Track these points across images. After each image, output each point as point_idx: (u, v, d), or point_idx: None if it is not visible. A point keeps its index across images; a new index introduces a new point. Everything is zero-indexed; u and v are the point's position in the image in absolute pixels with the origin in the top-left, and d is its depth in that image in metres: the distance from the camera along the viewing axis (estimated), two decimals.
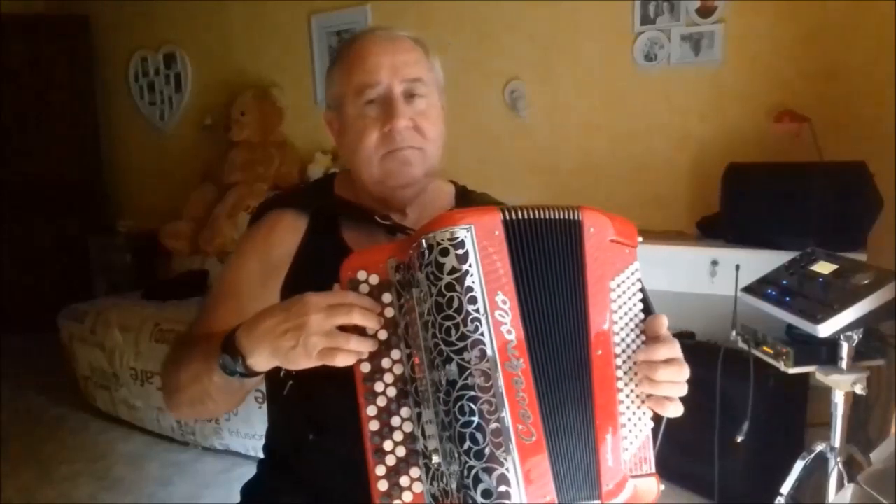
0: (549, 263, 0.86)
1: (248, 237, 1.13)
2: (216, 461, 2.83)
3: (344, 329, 0.83)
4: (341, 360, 0.83)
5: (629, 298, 0.91)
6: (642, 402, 0.90)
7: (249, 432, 2.70)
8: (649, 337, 0.91)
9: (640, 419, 0.90)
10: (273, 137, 3.75)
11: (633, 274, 0.93)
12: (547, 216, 0.87)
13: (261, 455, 1.20)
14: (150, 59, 4.28)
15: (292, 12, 3.65)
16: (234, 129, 3.71)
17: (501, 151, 3.20)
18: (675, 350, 0.89)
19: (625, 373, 0.89)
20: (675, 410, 0.91)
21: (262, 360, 0.87)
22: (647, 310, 0.93)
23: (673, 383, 0.89)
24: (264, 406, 1.14)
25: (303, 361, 0.83)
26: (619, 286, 0.91)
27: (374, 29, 1.11)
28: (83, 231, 4.27)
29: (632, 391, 0.89)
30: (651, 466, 0.91)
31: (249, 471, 1.19)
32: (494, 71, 3.15)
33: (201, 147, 4.11)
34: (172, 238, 3.75)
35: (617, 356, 0.89)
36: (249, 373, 0.89)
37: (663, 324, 0.90)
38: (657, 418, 0.92)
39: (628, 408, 0.89)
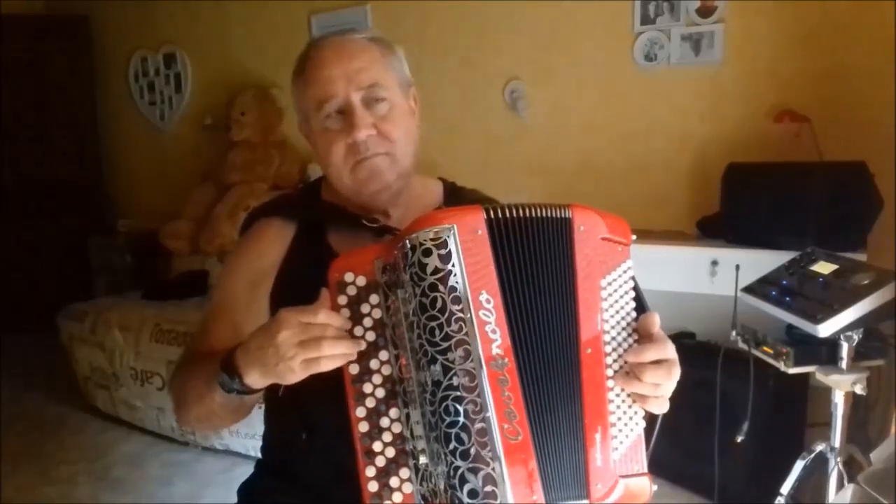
0: (536, 262, 0.86)
1: (237, 249, 1.14)
2: (216, 461, 2.83)
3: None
4: (326, 366, 0.83)
5: (621, 297, 0.91)
6: (633, 401, 0.90)
7: (249, 432, 2.70)
8: (641, 336, 0.90)
9: (630, 419, 0.90)
10: (273, 137, 3.75)
11: (625, 272, 0.92)
12: (534, 214, 0.87)
13: (260, 455, 1.20)
14: (150, 59, 4.28)
15: (292, 12, 3.65)
16: (234, 129, 3.70)
17: (501, 151, 3.19)
18: (664, 351, 0.88)
19: (615, 372, 0.89)
20: (660, 407, 0.90)
21: (256, 378, 0.88)
22: (641, 308, 0.92)
23: (659, 384, 0.88)
24: (263, 406, 1.15)
25: (290, 376, 0.84)
26: (610, 284, 0.90)
27: (327, 36, 1.09)
28: (83, 231, 4.27)
29: (622, 390, 0.89)
30: (643, 466, 0.90)
31: (249, 471, 1.19)
32: (494, 71, 3.15)
33: (201, 147, 4.11)
34: (172, 238, 3.75)
35: (607, 355, 0.88)
36: (247, 390, 0.90)
37: (655, 322, 0.90)
38: (650, 418, 0.91)
39: (619, 407, 0.89)
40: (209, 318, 1.11)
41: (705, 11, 2.66)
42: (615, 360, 0.89)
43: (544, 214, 0.88)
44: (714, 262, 2.31)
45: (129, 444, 3.03)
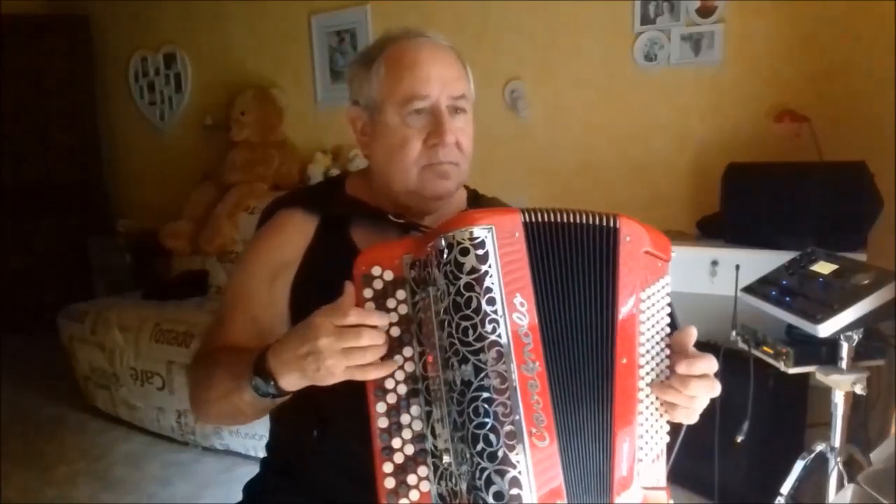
0: (575, 268, 0.86)
1: (257, 239, 1.12)
2: (216, 461, 2.83)
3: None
4: (373, 374, 0.82)
5: (658, 311, 0.91)
6: (661, 414, 0.90)
7: (249, 432, 2.70)
8: (675, 350, 0.90)
9: (657, 432, 0.90)
10: (273, 137, 3.74)
11: (663, 287, 0.92)
12: (577, 221, 0.87)
13: (261, 454, 1.20)
14: (150, 59, 4.28)
15: (292, 12, 3.65)
16: (234, 129, 3.70)
17: (501, 151, 3.19)
18: (712, 366, 0.88)
19: (647, 384, 0.88)
20: (689, 418, 0.91)
21: (292, 382, 0.87)
22: (673, 324, 0.92)
23: (696, 397, 0.88)
24: None
25: (331, 380, 0.83)
26: (649, 298, 0.90)
27: (413, 33, 1.08)
28: (83, 231, 4.27)
29: (652, 403, 0.89)
30: (663, 481, 0.90)
31: (249, 471, 1.19)
32: (494, 71, 3.15)
33: (201, 147, 4.10)
34: (172, 238, 3.74)
35: (641, 367, 0.88)
36: (282, 393, 0.89)
37: (692, 337, 0.90)
38: (673, 434, 0.91)
39: (647, 419, 0.88)
40: (226, 309, 1.09)
41: (705, 11, 2.66)
42: (647, 374, 0.88)
43: (589, 222, 0.87)
44: (714, 262, 2.31)
45: (129, 444, 3.03)
